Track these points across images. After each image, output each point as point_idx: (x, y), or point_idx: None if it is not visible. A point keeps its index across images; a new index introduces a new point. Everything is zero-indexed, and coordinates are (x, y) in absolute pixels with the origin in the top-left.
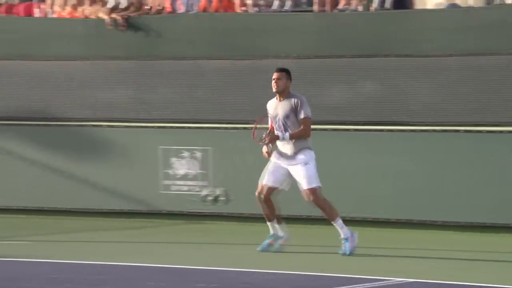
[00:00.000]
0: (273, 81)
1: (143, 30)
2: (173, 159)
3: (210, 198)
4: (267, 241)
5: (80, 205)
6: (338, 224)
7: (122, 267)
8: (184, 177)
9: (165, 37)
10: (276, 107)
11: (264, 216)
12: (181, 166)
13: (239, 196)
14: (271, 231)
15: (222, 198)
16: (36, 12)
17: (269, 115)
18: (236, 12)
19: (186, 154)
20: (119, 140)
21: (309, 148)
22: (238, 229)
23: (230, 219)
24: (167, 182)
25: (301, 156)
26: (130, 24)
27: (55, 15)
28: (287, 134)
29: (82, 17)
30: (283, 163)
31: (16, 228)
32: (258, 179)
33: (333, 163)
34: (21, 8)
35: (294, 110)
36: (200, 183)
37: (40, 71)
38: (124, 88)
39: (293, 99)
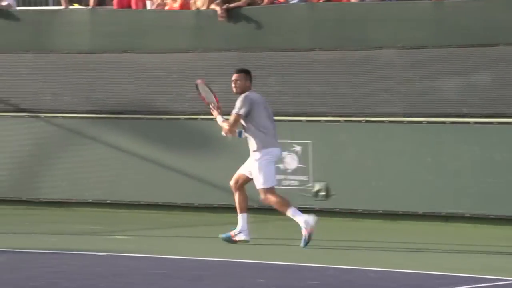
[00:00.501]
0: (232, 83)
1: (251, 20)
2: (284, 153)
3: (311, 193)
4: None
5: (181, 199)
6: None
7: (225, 263)
8: (295, 171)
9: (273, 27)
10: None
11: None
12: (292, 161)
13: (341, 191)
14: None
15: (322, 193)
16: (148, 5)
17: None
18: (349, 1)
19: (293, 148)
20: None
21: (264, 148)
22: (342, 225)
23: (332, 215)
24: (278, 176)
25: (256, 155)
26: (237, 15)
27: (167, 7)
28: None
29: (194, 8)
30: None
31: (120, 223)
32: (360, 173)
33: (450, 157)
34: (133, 1)
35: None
36: (300, 177)
37: (147, 63)
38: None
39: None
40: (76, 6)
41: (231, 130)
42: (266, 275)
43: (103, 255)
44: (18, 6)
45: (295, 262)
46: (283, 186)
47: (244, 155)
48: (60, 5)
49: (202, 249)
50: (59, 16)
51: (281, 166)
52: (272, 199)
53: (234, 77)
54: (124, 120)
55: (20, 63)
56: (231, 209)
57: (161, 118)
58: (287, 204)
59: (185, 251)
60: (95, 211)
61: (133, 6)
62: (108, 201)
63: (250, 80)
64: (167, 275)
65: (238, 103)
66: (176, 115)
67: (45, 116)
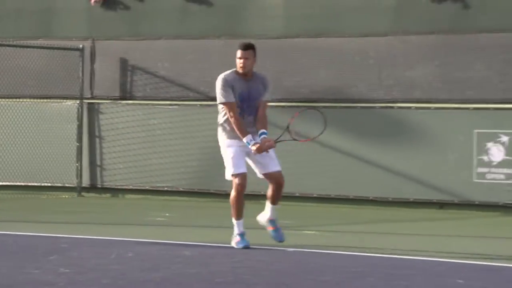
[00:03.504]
0: (239, 61)
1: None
2: (489, 144)
3: None
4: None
5: (374, 193)
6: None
7: (425, 262)
8: (501, 164)
9: (484, 7)
10: (244, 86)
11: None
12: (498, 152)
13: None
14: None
15: None
16: None
17: (231, 94)
18: None
19: (499, 138)
20: (426, 123)
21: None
22: None
23: None
24: (481, 170)
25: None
26: None
27: None
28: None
29: None
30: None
31: (309, 217)
32: None
33: None
34: None
35: (263, 91)
36: (506, 170)
37: (342, 48)
38: (427, 65)
39: (262, 78)
40: None
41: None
42: (465, 275)
43: (292, 251)
44: None
45: (495, 263)
46: (486, 180)
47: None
48: None
49: (397, 246)
50: (253, 0)
51: (485, 158)
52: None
53: (242, 54)
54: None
55: (211, 50)
56: (428, 204)
57: (356, 107)
58: None
59: (377, 248)
60: (284, 204)
61: None
62: (297, 194)
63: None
64: (359, 273)
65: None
66: (372, 103)
67: None
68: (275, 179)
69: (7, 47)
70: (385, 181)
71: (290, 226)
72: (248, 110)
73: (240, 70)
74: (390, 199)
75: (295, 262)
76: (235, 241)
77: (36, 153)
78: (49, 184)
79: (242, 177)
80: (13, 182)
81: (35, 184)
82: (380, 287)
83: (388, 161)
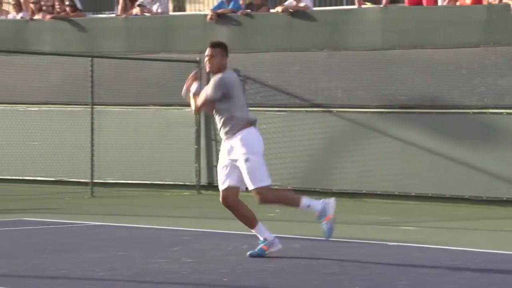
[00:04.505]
0: (205, 59)
1: None
2: None
3: None
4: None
5: (469, 192)
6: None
7: None
8: None
9: None
10: None
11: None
12: None
13: None
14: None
15: None
16: (439, 1)
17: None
18: None
19: None
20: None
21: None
22: None
23: None
24: None
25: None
26: None
27: (458, 3)
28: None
29: (485, 3)
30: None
31: (409, 214)
32: None
33: None
34: None
35: None
36: None
37: (437, 58)
38: None
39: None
40: (368, 5)
41: (197, 111)
42: None
43: (392, 245)
44: (315, 6)
45: None
46: None
47: None
48: (354, 4)
49: (491, 241)
50: (353, 15)
51: None
52: (271, 198)
53: (208, 52)
54: (412, 114)
55: (314, 61)
56: None
57: (449, 113)
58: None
59: (472, 243)
60: (383, 202)
61: (425, 3)
62: (396, 193)
63: (227, 56)
64: (457, 267)
65: (212, 86)
66: (465, 109)
67: (337, 111)
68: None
69: (134, 60)
70: (480, 181)
71: (390, 222)
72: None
73: (206, 69)
74: (485, 197)
75: (395, 255)
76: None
77: (159, 155)
78: (171, 183)
79: (224, 192)
80: (140, 180)
81: (159, 182)
82: (478, 280)
83: (482, 162)
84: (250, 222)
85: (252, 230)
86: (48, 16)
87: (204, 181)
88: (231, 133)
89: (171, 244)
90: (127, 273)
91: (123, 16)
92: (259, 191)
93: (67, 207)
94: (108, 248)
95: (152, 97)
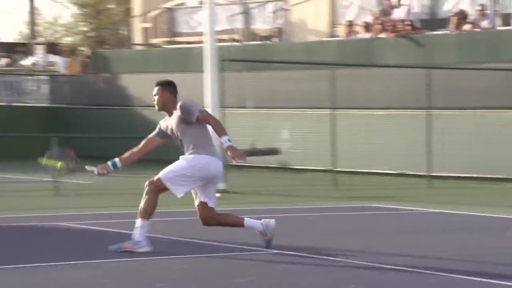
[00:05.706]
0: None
1: None
2: None
3: None
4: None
5: None
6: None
7: None
8: None
9: None
10: (168, 125)
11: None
12: None
13: None
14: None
15: None
16: None
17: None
18: None
19: None
20: None
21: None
22: None
23: None
24: None
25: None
26: None
27: None
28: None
29: None
30: None
31: None
32: None
33: None
34: None
35: (184, 120)
36: None
37: None
38: None
39: (176, 110)
40: None
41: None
42: None
43: None
44: None
45: None
46: None
47: None
48: None
49: None
50: None
51: None
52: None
53: (153, 91)
54: None
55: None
56: None
57: None
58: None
59: None
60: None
61: None
62: None
63: (173, 92)
64: None
65: (190, 108)
66: None
67: None
68: None
69: (465, 70)
70: None
71: None
72: (183, 147)
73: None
74: None
75: None
76: None
77: (494, 152)
78: (504, 177)
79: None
80: (476, 174)
81: (492, 176)
82: None
83: None
84: None
85: None
86: (392, 35)
87: None
88: None
89: (503, 230)
90: (463, 253)
91: (456, 32)
92: (156, 180)
93: (407, 196)
94: (443, 232)
95: (482, 102)
